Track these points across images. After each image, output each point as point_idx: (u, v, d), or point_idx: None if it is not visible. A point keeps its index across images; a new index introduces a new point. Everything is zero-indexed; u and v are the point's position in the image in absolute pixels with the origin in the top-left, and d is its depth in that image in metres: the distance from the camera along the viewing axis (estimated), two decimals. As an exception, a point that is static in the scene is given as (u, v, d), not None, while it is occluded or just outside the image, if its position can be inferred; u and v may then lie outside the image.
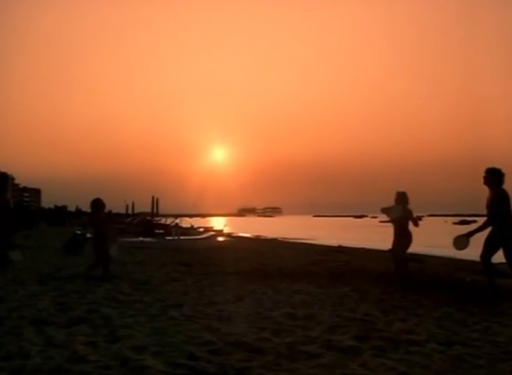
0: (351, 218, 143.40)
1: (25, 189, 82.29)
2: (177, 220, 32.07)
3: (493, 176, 6.71)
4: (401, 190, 8.40)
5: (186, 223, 32.86)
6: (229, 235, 33.09)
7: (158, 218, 39.49)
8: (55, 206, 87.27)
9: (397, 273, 8.20)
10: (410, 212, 8.20)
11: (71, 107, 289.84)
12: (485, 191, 6.81)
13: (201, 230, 38.32)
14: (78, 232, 15.25)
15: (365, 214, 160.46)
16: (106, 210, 8.85)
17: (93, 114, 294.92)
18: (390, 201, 8.46)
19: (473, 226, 7.13)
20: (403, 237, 8.17)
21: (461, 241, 6.99)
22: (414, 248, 8.78)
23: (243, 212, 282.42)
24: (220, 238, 28.36)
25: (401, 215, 8.09)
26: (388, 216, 8.42)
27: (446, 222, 74.39)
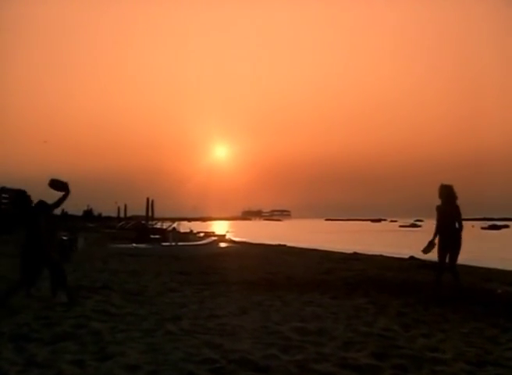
0: (368, 222, 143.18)
1: (3, 190, 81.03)
2: (174, 224, 32.16)
3: None
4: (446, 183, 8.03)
5: (184, 227, 32.95)
6: (232, 241, 33.13)
7: (154, 222, 39.53)
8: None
9: (455, 285, 7.74)
10: (457, 209, 7.93)
11: (65, 103, 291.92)
12: None
13: (201, 235, 38.43)
14: (64, 238, 15.28)
15: (383, 218, 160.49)
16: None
17: (87, 111, 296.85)
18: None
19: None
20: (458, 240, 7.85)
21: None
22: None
23: (247, 215, 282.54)
24: (222, 244, 28.39)
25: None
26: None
27: (473, 226, 73.95)
